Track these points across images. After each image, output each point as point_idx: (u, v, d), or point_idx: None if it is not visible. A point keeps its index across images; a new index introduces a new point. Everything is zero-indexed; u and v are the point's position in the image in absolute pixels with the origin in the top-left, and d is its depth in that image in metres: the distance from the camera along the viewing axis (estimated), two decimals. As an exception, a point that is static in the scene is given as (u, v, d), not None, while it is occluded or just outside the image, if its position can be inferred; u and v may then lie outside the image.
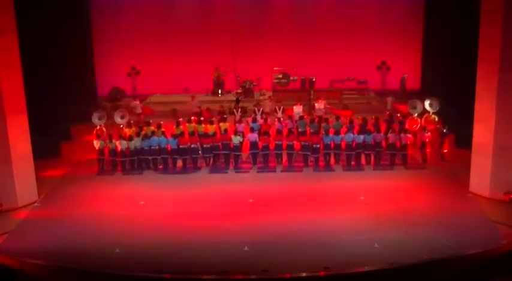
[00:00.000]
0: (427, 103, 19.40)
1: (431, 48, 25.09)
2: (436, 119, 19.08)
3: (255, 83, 24.78)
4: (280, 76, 24.65)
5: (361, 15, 26.22)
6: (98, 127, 19.16)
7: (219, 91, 25.26)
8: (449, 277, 12.43)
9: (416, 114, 19.42)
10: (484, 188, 15.73)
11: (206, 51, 25.57)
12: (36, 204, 15.95)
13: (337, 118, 19.12)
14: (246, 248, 13.23)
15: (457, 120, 19.36)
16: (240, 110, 20.48)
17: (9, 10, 15.40)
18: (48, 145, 18.88)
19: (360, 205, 15.38)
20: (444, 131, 18.43)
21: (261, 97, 24.31)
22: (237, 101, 22.47)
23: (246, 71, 24.81)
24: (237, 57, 24.67)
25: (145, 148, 18.04)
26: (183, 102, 23.52)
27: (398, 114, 19.95)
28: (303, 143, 18.04)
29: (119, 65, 25.80)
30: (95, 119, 19.33)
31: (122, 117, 19.79)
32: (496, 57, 15.00)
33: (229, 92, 25.23)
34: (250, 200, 15.84)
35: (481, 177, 15.83)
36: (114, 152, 18.11)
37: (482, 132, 15.78)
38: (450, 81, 22.16)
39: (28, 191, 15.99)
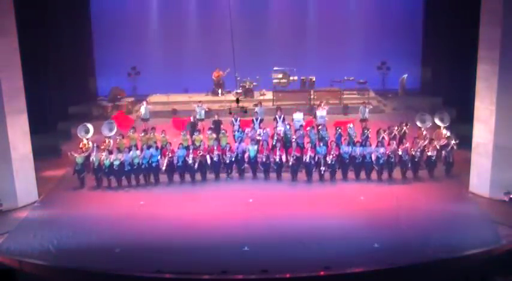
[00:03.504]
0: (437, 118, 18.28)
1: (431, 48, 25.10)
2: (448, 134, 17.57)
3: (255, 83, 24.77)
4: (280, 76, 24.66)
5: (361, 15, 26.23)
6: (85, 141, 17.78)
7: (219, 91, 25.26)
8: (450, 277, 12.43)
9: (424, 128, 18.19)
10: (484, 188, 15.70)
11: (206, 51, 25.58)
12: (36, 204, 15.94)
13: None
14: (246, 248, 13.24)
15: (457, 120, 19.36)
16: (239, 119, 19.12)
17: (9, 10, 15.41)
18: (48, 145, 18.88)
19: (360, 205, 15.39)
20: (454, 146, 16.98)
21: (261, 97, 24.29)
22: (237, 101, 22.38)
23: (246, 71, 24.82)
24: (237, 57, 24.65)
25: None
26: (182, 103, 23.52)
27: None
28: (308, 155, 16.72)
29: (119, 65, 25.80)
30: (81, 132, 17.99)
31: (111, 130, 18.43)
32: (496, 57, 14.98)
33: (229, 92, 25.22)
34: (250, 200, 15.85)
35: (481, 177, 15.81)
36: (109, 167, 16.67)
37: (482, 132, 15.77)
38: (450, 81, 22.18)
39: (28, 191, 15.97)
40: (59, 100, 21.46)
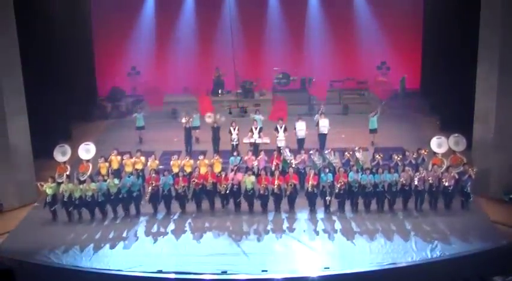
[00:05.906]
0: (452, 142, 16.16)
1: (431, 49, 25.07)
2: (464, 160, 15.67)
3: (255, 83, 24.77)
4: (280, 76, 24.66)
5: (361, 15, 26.21)
6: (62, 165, 16.06)
7: (219, 91, 25.25)
8: (450, 277, 12.43)
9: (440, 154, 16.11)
10: (484, 188, 15.72)
11: (206, 51, 25.58)
12: (36, 204, 15.93)
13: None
14: (246, 248, 13.25)
15: (457, 120, 19.33)
16: (237, 128, 17.63)
17: (9, 10, 15.43)
18: (48, 145, 18.85)
19: (359, 206, 15.36)
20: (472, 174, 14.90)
21: (261, 97, 24.27)
22: (237, 102, 22.29)
23: (246, 71, 24.82)
24: (237, 57, 24.68)
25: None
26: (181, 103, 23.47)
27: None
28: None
29: (119, 65, 25.79)
30: (58, 155, 16.25)
31: (88, 152, 16.40)
32: (496, 57, 15.02)
33: (229, 92, 25.22)
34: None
35: (481, 177, 15.81)
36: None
37: (482, 133, 15.78)
38: (450, 81, 22.14)
39: (28, 191, 15.98)
40: (59, 100, 21.41)
